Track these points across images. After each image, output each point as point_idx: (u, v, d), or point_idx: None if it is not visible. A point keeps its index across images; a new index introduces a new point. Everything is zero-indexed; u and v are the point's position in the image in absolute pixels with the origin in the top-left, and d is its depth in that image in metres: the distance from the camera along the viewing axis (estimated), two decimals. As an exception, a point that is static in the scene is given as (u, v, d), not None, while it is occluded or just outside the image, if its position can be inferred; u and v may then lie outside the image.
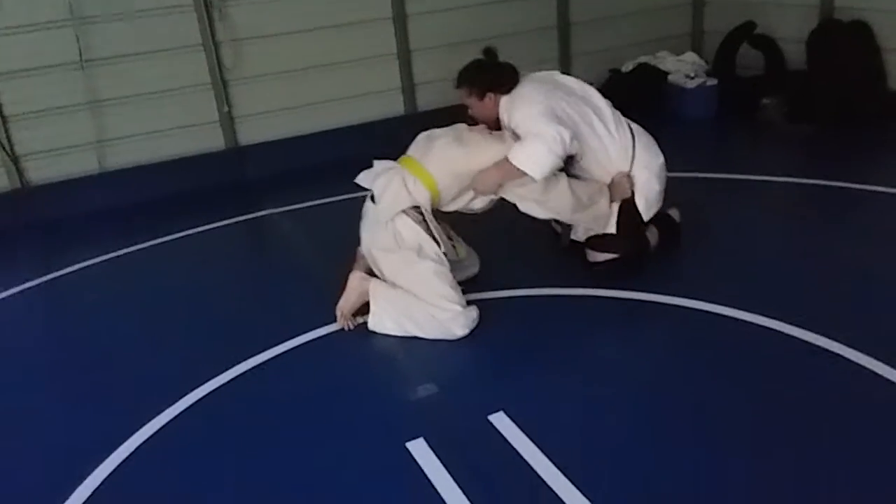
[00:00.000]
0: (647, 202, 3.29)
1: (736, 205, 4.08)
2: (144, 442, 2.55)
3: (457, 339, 2.94)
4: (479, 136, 3.17)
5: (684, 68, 5.69)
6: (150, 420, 2.64)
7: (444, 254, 3.03)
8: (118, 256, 4.19)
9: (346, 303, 3.11)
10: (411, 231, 2.99)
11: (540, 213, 3.23)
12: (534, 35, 5.93)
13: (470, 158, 3.08)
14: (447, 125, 3.28)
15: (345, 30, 5.39)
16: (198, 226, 4.51)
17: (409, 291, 2.98)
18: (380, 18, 5.47)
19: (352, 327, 3.10)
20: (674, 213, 3.59)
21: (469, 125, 3.27)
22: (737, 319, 2.92)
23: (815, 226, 3.79)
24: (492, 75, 3.20)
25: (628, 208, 3.26)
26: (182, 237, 4.40)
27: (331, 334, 3.10)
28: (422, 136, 3.25)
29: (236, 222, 4.61)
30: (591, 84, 3.41)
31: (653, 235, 3.44)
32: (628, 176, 3.25)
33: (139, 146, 5.09)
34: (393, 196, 3.04)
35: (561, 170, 3.13)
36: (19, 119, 4.76)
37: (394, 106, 5.68)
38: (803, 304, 2.96)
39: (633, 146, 3.26)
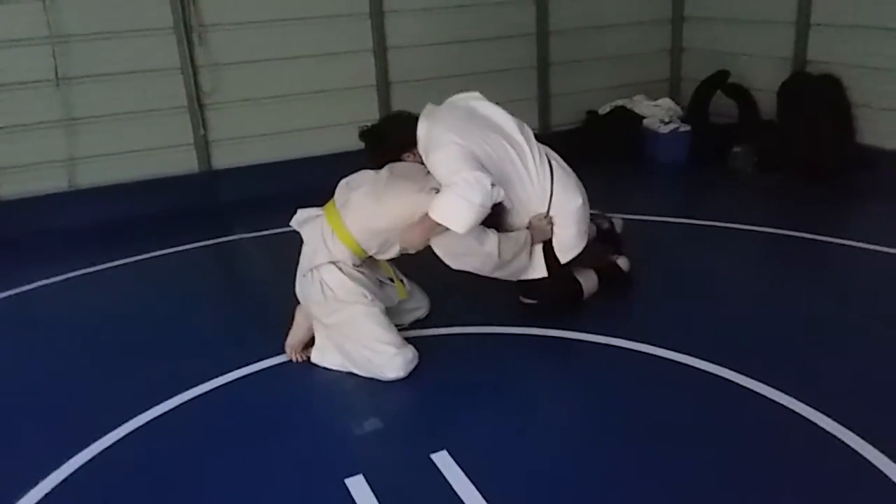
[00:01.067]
0: (562, 245, 3.18)
1: (696, 250, 4.13)
2: (67, 477, 2.47)
3: (400, 379, 2.89)
4: (400, 184, 2.94)
5: (659, 113, 5.77)
6: (77, 452, 2.57)
7: (381, 297, 3.00)
8: (78, 276, 4.15)
9: (294, 338, 3.09)
10: (336, 280, 2.91)
11: (461, 265, 3.07)
12: (513, 74, 5.99)
13: (387, 214, 2.90)
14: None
15: (325, 60, 5.44)
16: (164, 248, 4.49)
17: (343, 334, 2.94)
18: (360, 50, 5.53)
19: (299, 360, 3.07)
20: (622, 262, 3.55)
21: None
22: (676, 362, 2.93)
23: (774, 275, 3.82)
24: (390, 146, 3.12)
25: (549, 250, 3.18)
26: (146, 259, 4.37)
27: (281, 365, 3.08)
28: (342, 183, 3.10)
29: (203, 246, 4.59)
30: (527, 127, 3.28)
31: (589, 280, 3.38)
32: (547, 217, 3.14)
33: (112, 165, 5.08)
34: (311, 251, 2.99)
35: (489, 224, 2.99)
36: (-8, 134, 4.76)
37: None
38: (746, 351, 2.98)
39: (552, 187, 3.13)
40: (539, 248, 3.17)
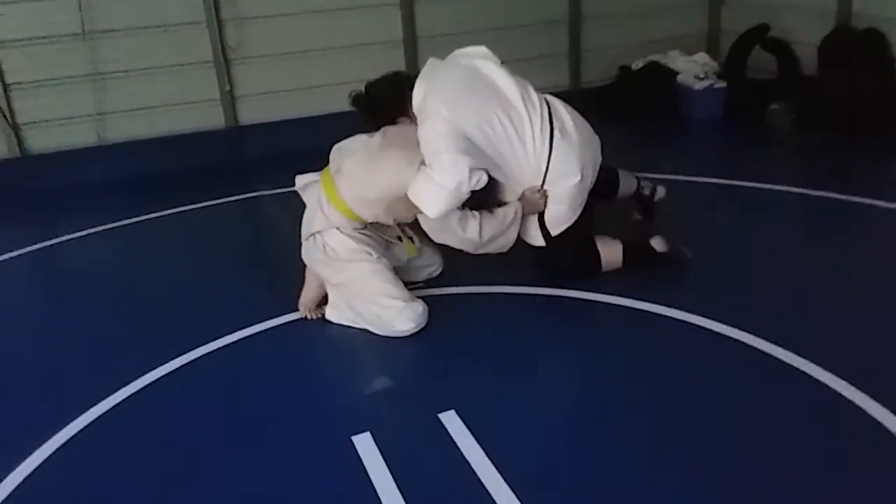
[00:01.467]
0: (551, 219, 3.07)
1: (728, 213, 3.99)
2: (86, 427, 2.52)
3: (411, 335, 2.88)
4: (391, 153, 2.84)
5: (694, 69, 5.57)
6: (97, 403, 2.62)
7: (388, 256, 2.98)
8: (103, 231, 4.21)
9: (306, 296, 3.09)
10: (338, 241, 2.89)
11: (442, 240, 3.02)
12: (543, 28, 5.84)
13: (377, 184, 2.83)
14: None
15: (351, 13, 5.35)
16: (188, 204, 4.51)
17: (351, 292, 2.93)
18: (387, 4, 5.42)
19: (313, 318, 3.07)
20: (657, 242, 3.26)
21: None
22: (698, 326, 2.84)
23: (811, 240, 3.68)
24: (384, 111, 2.99)
25: (543, 222, 3.09)
26: (170, 214, 4.41)
27: (295, 322, 3.08)
28: (335, 148, 3.06)
29: (226, 202, 4.60)
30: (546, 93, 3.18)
31: (611, 252, 3.20)
32: (540, 189, 3.01)
33: (138, 121, 5.10)
34: (310, 218, 2.97)
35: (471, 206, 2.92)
36: (20, 88, 4.79)
37: None
38: (771, 317, 2.87)
39: (549, 161, 2.95)
40: (534, 218, 3.08)
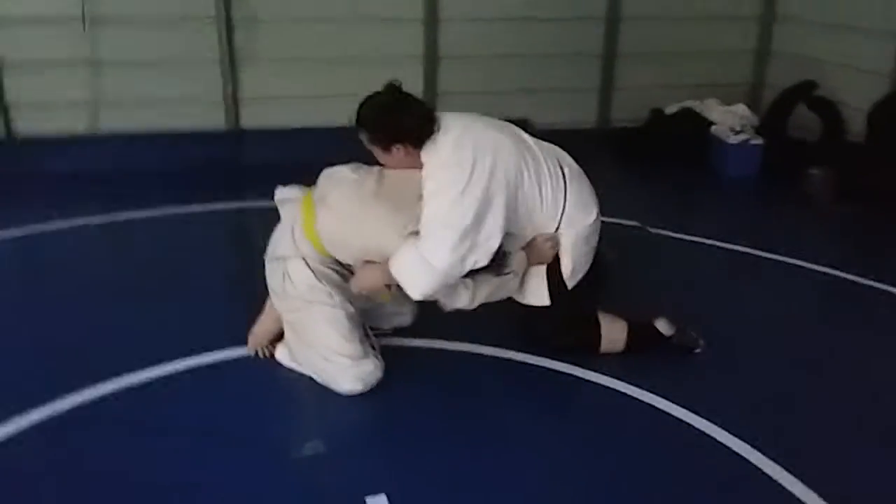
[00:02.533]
0: (574, 265, 2.67)
1: (747, 287, 3.56)
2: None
3: (358, 393, 2.52)
4: (384, 209, 2.43)
5: (731, 121, 5.17)
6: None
7: (350, 299, 2.59)
8: (70, 228, 3.94)
9: (260, 327, 2.75)
10: (301, 275, 2.55)
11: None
12: (574, 60, 5.50)
13: (358, 235, 2.47)
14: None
15: (370, 24, 5.07)
16: (174, 205, 4.26)
17: (299, 335, 2.59)
18: (410, 19, 5.12)
19: (263, 355, 2.74)
20: (662, 325, 2.84)
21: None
22: (702, 432, 2.42)
23: (832, 330, 3.18)
24: (399, 122, 2.46)
25: (553, 273, 2.68)
26: (153, 216, 4.14)
27: (239, 360, 2.74)
28: (325, 173, 2.66)
29: (212, 210, 4.31)
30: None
31: (614, 331, 2.78)
32: (552, 236, 2.64)
33: (134, 113, 4.85)
34: (276, 239, 2.65)
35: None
36: (13, 68, 4.56)
37: None
38: (775, 429, 2.45)
39: (565, 201, 2.61)
40: (541, 271, 2.67)
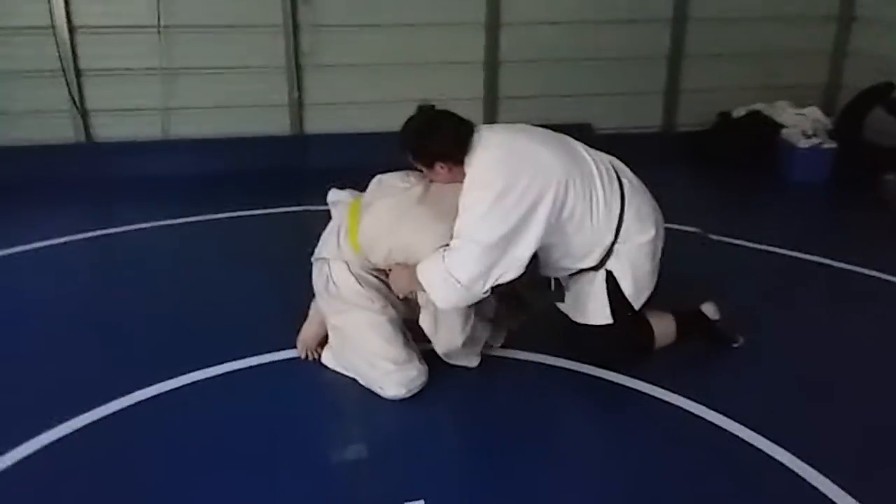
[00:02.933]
0: (636, 282, 2.60)
1: (815, 298, 3.42)
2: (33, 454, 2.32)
3: (402, 398, 2.55)
4: (425, 218, 2.46)
5: (802, 123, 4.99)
6: (56, 425, 2.42)
7: (399, 305, 2.63)
8: (144, 229, 4.11)
9: (306, 332, 2.82)
10: (344, 278, 2.59)
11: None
12: (639, 62, 5.41)
13: (397, 242, 2.49)
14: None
15: (432, 29, 5.10)
16: (237, 209, 4.38)
17: (344, 339, 2.63)
18: (471, 23, 5.14)
19: (311, 358, 2.80)
20: (708, 308, 2.88)
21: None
22: (747, 443, 2.36)
23: None
24: (433, 144, 2.49)
25: (614, 293, 2.59)
26: (214, 220, 4.27)
27: (287, 360, 2.81)
28: (376, 180, 2.70)
29: (276, 212, 4.43)
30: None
31: (664, 325, 2.77)
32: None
33: (204, 119, 5.02)
34: (324, 240, 2.69)
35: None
36: (92, 75, 4.79)
37: (473, 116, 5.17)
38: (836, 450, 2.36)
39: (621, 217, 2.55)
40: (600, 290, 2.60)
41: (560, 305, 2.76)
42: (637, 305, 2.63)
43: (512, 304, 2.78)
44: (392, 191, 2.60)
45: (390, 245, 2.51)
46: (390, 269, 2.56)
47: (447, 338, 2.56)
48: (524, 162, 2.44)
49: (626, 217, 2.55)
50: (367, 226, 2.56)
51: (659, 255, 2.68)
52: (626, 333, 2.67)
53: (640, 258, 2.60)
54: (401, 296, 2.58)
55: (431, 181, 2.59)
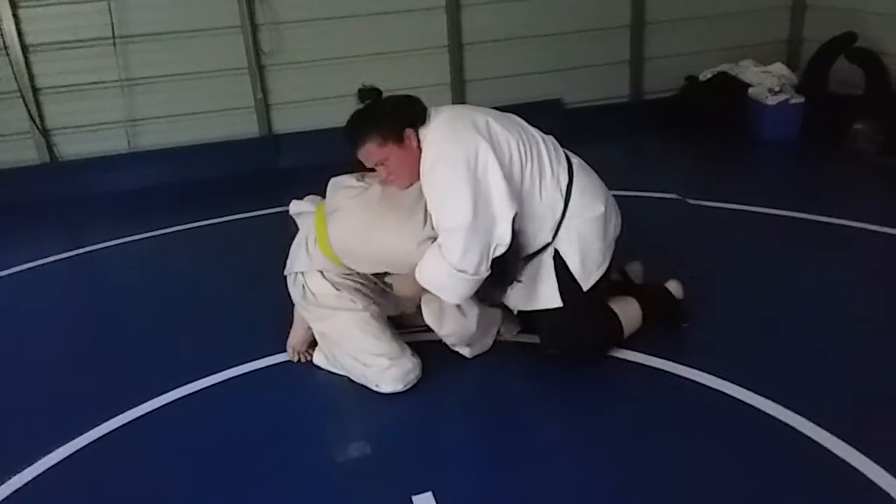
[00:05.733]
0: (585, 263, 2.49)
1: (795, 254, 3.43)
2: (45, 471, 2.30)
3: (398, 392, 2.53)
4: (391, 218, 2.39)
5: (768, 81, 5.01)
6: (61, 445, 2.39)
7: (380, 302, 2.61)
8: (120, 244, 4.04)
9: (294, 337, 2.78)
10: (320, 286, 2.55)
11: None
12: (602, 34, 5.41)
13: (372, 249, 2.43)
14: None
15: (393, 17, 5.06)
16: (212, 216, 4.32)
17: (333, 342, 2.60)
18: (431, 8, 5.10)
19: (302, 360, 2.78)
20: (673, 286, 2.80)
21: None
22: (745, 403, 2.37)
23: (887, 295, 3.07)
24: (398, 109, 2.40)
25: (563, 273, 2.50)
26: (189, 228, 4.21)
27: (279, 364, 2.78)
28: (332, 183, 2.60)
29: (252, 216, 4.37)
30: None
31: (629, 311, 2.65)
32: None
33: (170, 128, 4.95)
34: (293, 254, 2.63)
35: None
36: (50, 93, 4.69)
37: (441, 101, 5.11)
38: (822, 398, 2.38)
39: (569, 190, 2.47)
40: (549, 271, 2.50)
41: (511, 301, 2.63)
42: (585, 286, 2.51)
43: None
44: (350, 192, 2.52)
45: (369, 255, 2.46)
46: (388, 281, 2.53)
47: (458, 326, 2.53)
48: (467, 130, 2.35)
49: (574, 190, 2.49)
50: (337, 235, 2.49)
51: (612, 235, 2.59)
52: (583, 316, 2.53)
53: (590, 235, 2.51)
54: (410, 306, 2.54)
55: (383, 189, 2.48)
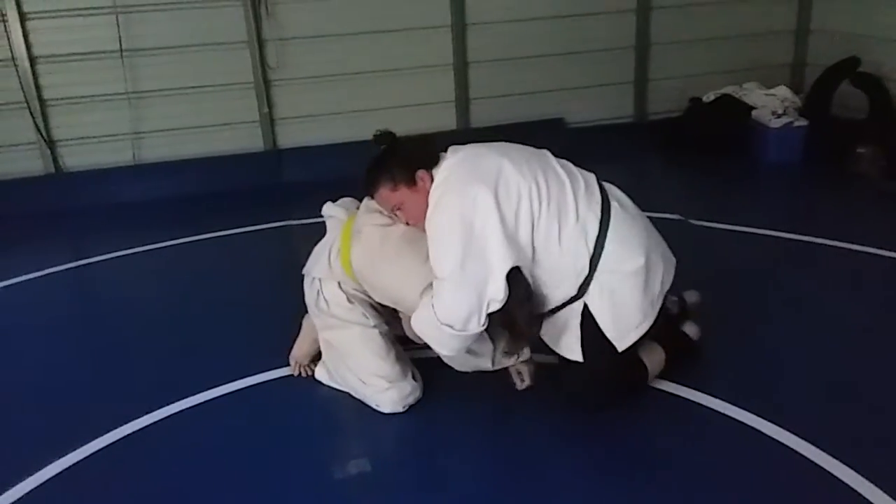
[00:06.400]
0: (619, 322, 2.30)
1: (797, 276, 3.43)
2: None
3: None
4: (406, 257, 2.35)
5: (772, 104, 5.03)
6: (49, 463, 2.37)
7: (391, 321, 2.60)
8: (125, 255, 4.05)
9: (299, 349, 2.78)
10: (334, 295, 2.55)
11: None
12: (607, 54, 5.43)
13: (384, 283, 2.42)
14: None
15: (399, 35, 5.09)
16: (217, 230, 4.33)
17: (337, 355, 2.60)
18: (437, 26, 5.13)
19: (305, 375, 2.77)
20: (691, 329, 2.70)
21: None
22: (756, 430, 2.36)
23: (890, 319, 3.05)
24: (410, 151, 2.35)
25: (592, 332, 2.31)
26: (193, 241, 4.22)
27: (282, 379, 2.78)
28: (364, 205, 2.54)
29: (256, 230, 4.37)
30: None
31: (655, 359, 2.52)
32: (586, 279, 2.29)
33: (176, 141, 4.97)
34: (316, 256, 2.63)
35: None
36: (57, 104, 4.72)
37: (445, 119, 5.30)
38: (828, 423, 2.37)
39: (602, 238, 2.27)
40: (573, 324, 2.34)
41: (543, 332, 2.50)
42: (620, 346, 2.30)
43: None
44: (377, 219, 2.47)
45: (379, 287, 2.45)
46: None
47: (469, 366, 2.51)
48: (472, 176, 2.23)
49: (608, 240, 2.27)
50: (355, 257, 2.48)
51: (657, 290, 2.34)
52: (609, 374, 2.35)
53: (625, 291, 2.29)
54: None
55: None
